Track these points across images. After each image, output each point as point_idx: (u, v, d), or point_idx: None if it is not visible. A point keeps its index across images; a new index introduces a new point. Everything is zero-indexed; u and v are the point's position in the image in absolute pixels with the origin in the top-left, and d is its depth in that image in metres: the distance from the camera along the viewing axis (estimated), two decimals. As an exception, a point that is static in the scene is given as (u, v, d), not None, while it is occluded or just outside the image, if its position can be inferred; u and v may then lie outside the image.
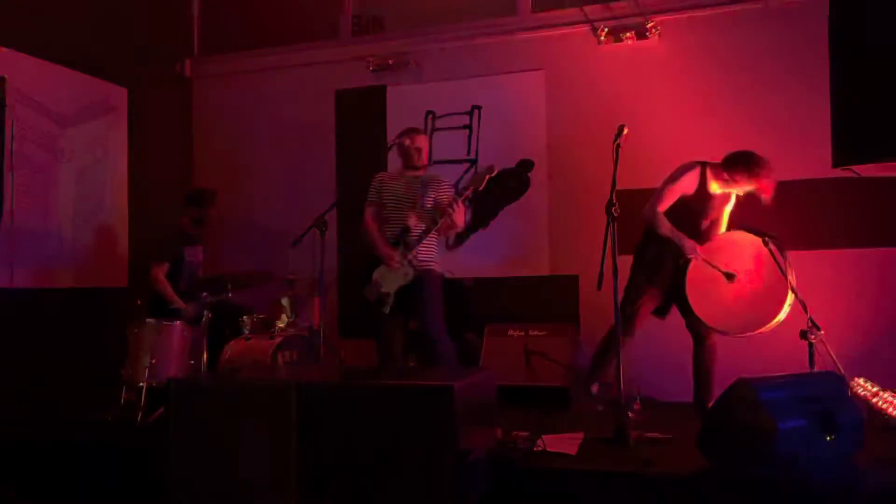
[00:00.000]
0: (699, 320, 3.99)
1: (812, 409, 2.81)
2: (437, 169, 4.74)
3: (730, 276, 3.88)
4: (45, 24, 5.02)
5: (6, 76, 4.42)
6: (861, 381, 3.90)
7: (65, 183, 5.18)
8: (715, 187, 4.06)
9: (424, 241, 4.14)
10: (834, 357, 3.54)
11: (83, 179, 5.33)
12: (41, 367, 4.73)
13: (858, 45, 2.48)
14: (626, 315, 3.99)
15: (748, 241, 3.92)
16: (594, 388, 4.18)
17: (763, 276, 3.82)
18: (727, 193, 4.12)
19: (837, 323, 3.99)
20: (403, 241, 4.13)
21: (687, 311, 4.04)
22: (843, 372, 3.47)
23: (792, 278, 3.74)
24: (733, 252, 3.93)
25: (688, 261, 3.97)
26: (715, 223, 4.15)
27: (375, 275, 4.16)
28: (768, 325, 3.78)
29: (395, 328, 4.23)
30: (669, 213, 4.04)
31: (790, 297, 3.73)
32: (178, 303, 4.62)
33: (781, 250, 3.81)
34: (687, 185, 4.06)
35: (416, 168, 4.27)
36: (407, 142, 4.27)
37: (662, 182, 4.10)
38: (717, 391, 3.60)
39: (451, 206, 4.05)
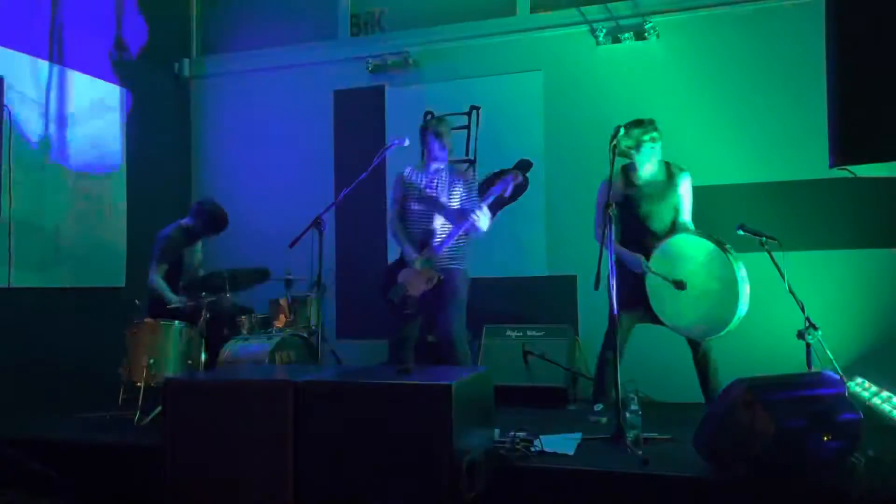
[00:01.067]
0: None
1: (809, 409, 2.81)
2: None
3: (678, 285, 3.83)
4: (44, 23, 5.02)
5: (4, 76, 4.42)
6: (858, 381, 3.91)
7: (62, 183, 5.18)
8: (645, 172, 4.02)
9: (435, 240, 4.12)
10: (831, 357, 3.54)
11: (81, 179, 5.33)
12: (39, 366, 4.72)
13: (855, 46, 2.49)
14: (612, 339, 3.98)
15: (695, 243, 3.85)
16: (597, 408, 4.16)
17: (717, 275, 3.75)
18: (666, 182, 4.05)
19: (834, 323, 4.00)
20: (428, 244, 4.11)
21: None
22: (840, 372, 3.47)
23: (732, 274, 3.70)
24: (685, 255, 3.86)
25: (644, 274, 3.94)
26: (669, 219, 4.06)
27: (400, 277, 4.14)
28: (732, 324, 3.73)
29: (411, 330, 4.21)
30: (621, 226, 3.97)
31: (744, 291, 3.68)
32: (174, 301, 4.61)
33: (724, 247, 3.76)
34: (602, 198, 3.93)
35: (436, 157, 4.21)
36: (442, 129, 4.23)
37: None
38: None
39: (475, 213, 4.03)
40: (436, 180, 4.23)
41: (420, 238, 4.17)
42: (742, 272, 3.70)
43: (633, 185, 4.06)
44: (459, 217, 4.09)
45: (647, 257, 3.94)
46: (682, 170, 4.10)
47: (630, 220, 4.03)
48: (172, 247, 4.79)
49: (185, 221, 4.90)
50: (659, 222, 4.05)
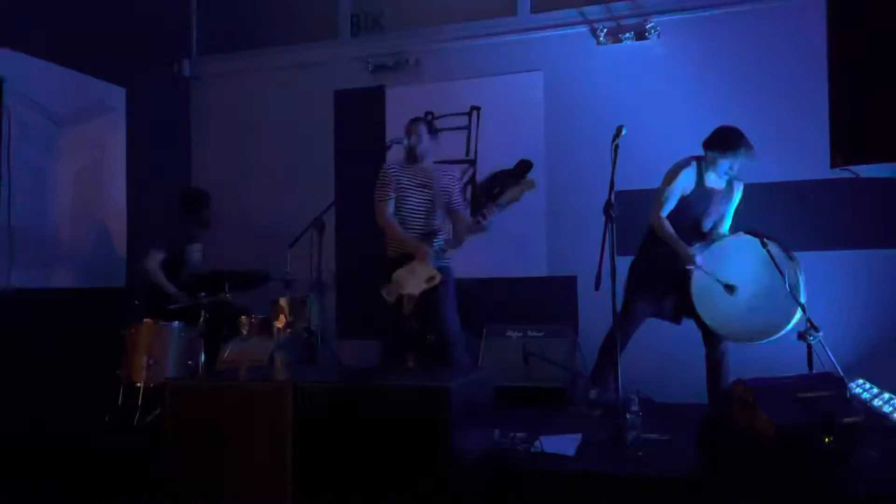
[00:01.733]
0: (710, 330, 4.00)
1: (810, 410, 2.80)
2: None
3: (731, 289, 3.84)
4: (44, 23, 5.02)
5: (4, 76, 4.41)
6: (859, 382, 3.90)
7: (63, 183, 5.18)
8: (712, 179, 4.04)
9: (439, 237, 4.10)
10: (832, 358, 3.53)
11: (81, 179, 5.33)
12: (39, 367, 4.72)
13: (856, 46, 2.48)
14: (621, 326, 3.98)
15: (750, 244, 3.86)
16: (593, 394, 4.16)
17: (770, 280, 3.75)
18: (727, 189, 4.09)
19: (836, 324, 3.99)
20: (429, 244, 4.06)
21: (698, 322, 4.03)
22: (841, 373, 3.46)
23: (793, 278, 3.70)
24: (737, 257, 3.88)
25: (688, 270, 3.94)
26: (719, 222, 4.14)
27: (395, 276, 4.04)
28: (783, 330, 3.72)
29: (408, 329, 4.15)
30: (673, 216, 4.03)
31: (801, 298, 3.68)
32: (170, 287, 4.60)
33: (787, 252, 3.77)
34: (685, 182, 4.04)
35: (413, 157, 4.17)
36: (407, 128, 4.22)
37: (661, 185, 4.09)
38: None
39: (484, 216, 3.99)
40: (425, 176, 4.17)
41: (416, 236, 4.11)
42: (802, 277, 3.69)
43: (702, 184, 4.05)
44: (467, 222, 4.05)
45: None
46: (740, 181, 4.13)
47: (693, 216, 4.05)
48: (176, 243, 4.79)
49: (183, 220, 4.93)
50: (711, 224, 4.09)
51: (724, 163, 3.95)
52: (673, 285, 4.04)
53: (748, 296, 3.82)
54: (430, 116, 5.56)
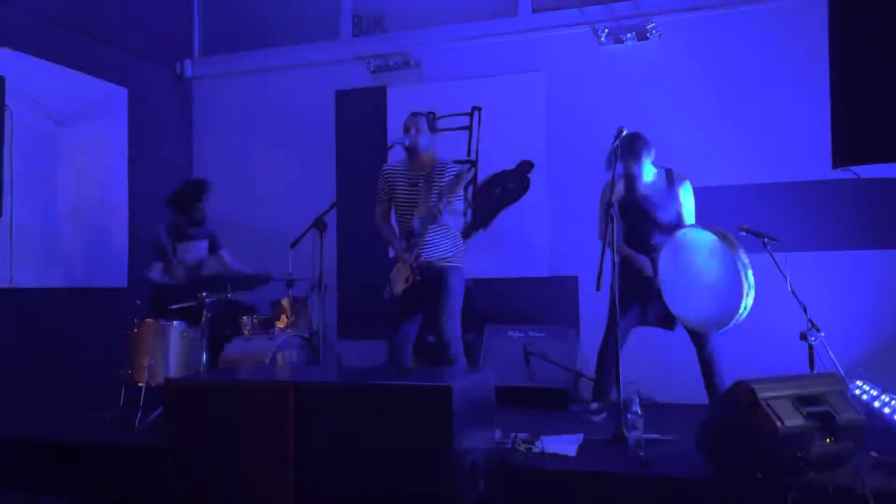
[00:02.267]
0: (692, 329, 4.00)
1: (812, 410, 2.80)
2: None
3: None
4: (46, 23, 5.03)
5: (6, 76, 4.42)
6: (861, 382, 3.90)
7: (64, 183, 5.19)
8: (645, 183, 4.04)
9: (441, 236, 4.05)
10: (834, 359, 3.53)
11: (83, 179, 5.34)
12: (40, 366, 4.73)
13: (858, 46, 2.48)
14: (606, 334, 4.03)
15: (700, 239, 3.83)
16: (593, 407, 4.16)
17: (718, 268, 3.73)
18: (666, 192, 4.07)
19: (837, 324, 3.99)
20: (410, 243, 4.05)
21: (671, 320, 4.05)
22: (842, 373, 3.46)
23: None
24: (692, 248, 3.84)
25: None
26: (673, 225, 4.08)
27: (390, 275, 4.11)
28: (740, 313, 3.69)
29: (407, 329, 4.16)
30: (627, 232, 4.03)
31: (749, 281, 3.66)
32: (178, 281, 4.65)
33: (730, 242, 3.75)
34: (614, 193, 3.92)
35: (412, 153, 4.14)
36: (406, 121, 4.18)
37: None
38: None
39: (432, 214, 3.90)
40: (416, 177, 4.15)
41: (403, 236, 4.11)
42: (745, 261, 3.67)
43: (635, 190, 4.06)
44: (429, 216, 3.97)
45: (652, 259, 3.96)
46: (682, 178, 4.10)
47: (633, 223, 4.04)
48: (158, 241, 4.82)
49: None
50: (659, 226, 4.06)
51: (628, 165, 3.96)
52: (651, 292, 4.03)
53: (703, 284, 3.79)
54: (431, 116, 5.56)
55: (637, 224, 4.05)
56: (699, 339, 4.04)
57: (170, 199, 4.95)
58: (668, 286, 3.91)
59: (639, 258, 4.00)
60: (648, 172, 4.05)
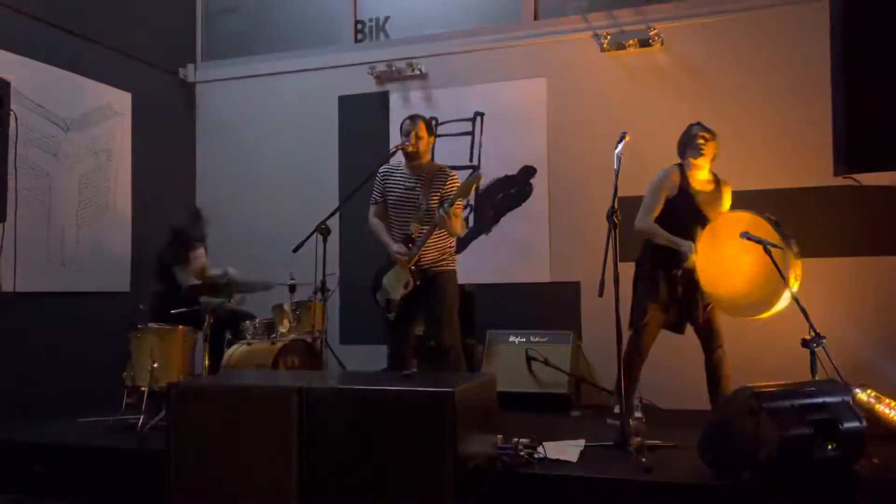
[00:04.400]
0: (708, 334, 4.03)
1: (814, 417, 2.80)
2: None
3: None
4: (50, 28, 5.05)
5: (11, 81, 4.44)
6: (863, 389, 3.90)
7: (68, 187, 5.20)
8: (696, 182, 4.10)
9: (435, 240, 4.04)
10: (836, 365, 3.53)
11: (86, 184, 5.35)
12: (43, 370, 4.73)
13: (859, 53, 2.49)
14: (636, 335, 4.05)
15: (739, 218, 3.89)
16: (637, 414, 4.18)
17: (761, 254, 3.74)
18: (715, 193, 4.12)
19: (839, 331, 3.99)
20: (409, 248, 4.05)
21: (695, 321, 4.06)
22: (844, 380, 3.45)
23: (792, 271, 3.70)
24: (728, 236, 3.88)
25: (686, 270, 3.95)
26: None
27: (384, 280, 4.10)
28: (780, 302, 3.71)
29: (404, 335, 4.17)
30: (662, 223, 4.06)
31: (797, 266, 3.68)
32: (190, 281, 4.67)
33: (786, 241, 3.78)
34: (669, 185, 4.09)
35: (411, 157, 4.14)
36: (404, 124, 4.18)
37: (646, 192, 4.14)
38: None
39: (442, 219, 3.90)
40: (415, 181, 4.15)
41: (401, 240, 4.10)
42: (795, 246, 3.70)
43: (687, 184, 4.11)
44: (433, 221, 3.96)
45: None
46: (727, 183, 4.21)
47: (682, 219, 4.07)
48: (178, 250, 4.84)
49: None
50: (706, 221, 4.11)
51: (693, 157, 4.05)
52: (673, 292, 4.06)
53: (745, 271, 3.82)
54: (434, 122, 5.58)
55: (686, 220, 4.06)
56: (711, 344, 4.05)
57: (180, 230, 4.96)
58: (706, 275, 3.91)
59: (679, 241, 3.99)
60: (705, 170, 4.12)
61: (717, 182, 4.19)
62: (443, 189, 4.08)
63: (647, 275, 4.10)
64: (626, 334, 4.02)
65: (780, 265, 3.61)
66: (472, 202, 5.59)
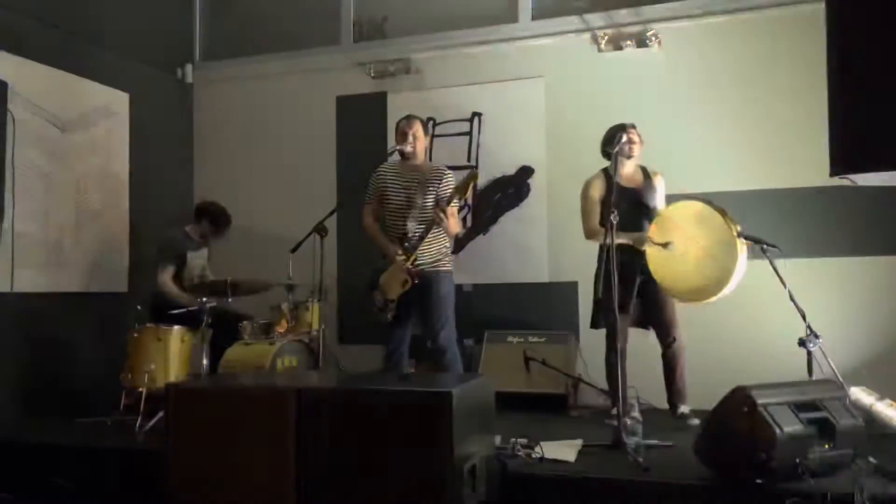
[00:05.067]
0: (664, 323, 4.12)
1: (810, 416, 2.81)
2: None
3: (665, 245, 3.92)
4: (48, 28, 5.04)
5: (8, 81, 4.44)
6: (859, 389, 3.91)
7: (66, 188, 5.20)
8: (624, 177, 4.18)
9: (430, 241, 4.05)
10: (832, 365, 3.54)
11: (84, 184, 5.35)
12: (41, 371, 4.73)
13: (855, 54, 2.49)
14: (610, 341, 4.06)
15: (684, 207, 3.98)
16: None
17: (708, 234, 3.86)
18: (647, 184, 4.20)
19: (836, 331, 4.00)
20: (402, 248, 4.06)
21: (651, 315, 4.16)
22: (840, 380, 3.47)
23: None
24: (677, 223, 3.98)
25: (635, 263, 4.01)
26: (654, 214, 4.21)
27: (381, 280, 4.11)
28: (733, 279, 3.77)
29: (402, 335, 4.17)
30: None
31: (740, 245, 3.76)
32: (184, 298, 4.65)
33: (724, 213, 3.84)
34: (595, 187, 4.22)
35: (407, 157, 4.18)
36: (400, 123, 4.22)
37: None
38: (715, 399, 3.62)
39: (439, 217, 3.92)
40: (410, 180, 4.17)
41: (396, 240, 4.11)
42: (737, 228, 3.78)
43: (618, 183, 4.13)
44: (429, 221, 4.00)
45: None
46: (657, 172, 4.31)
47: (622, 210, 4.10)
48: (170, 246, 4.84)
49: (188, 227, 4.98)
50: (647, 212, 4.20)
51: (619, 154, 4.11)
52: (630, 291, 4.10)
53: (693, 256, 3.89)
54: (431, 122, 5.58)
55: (628, 212, 4.07)
56: (665, 338, 4.12)
57: (211, 206, 5.01)
58: (659, 265, 3.99)
59: (634, 235, 4.04)
60: (629, 165, 4.21)
61: (647, 174, 4.27)
62: (438, 188, 4.10)
63: (604, 275, 4.08)
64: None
65: (775, 266, 3.64)
66: (469, 202, 5.59)
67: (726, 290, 3.81)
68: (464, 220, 5.53)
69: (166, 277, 4.77)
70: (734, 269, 3.73)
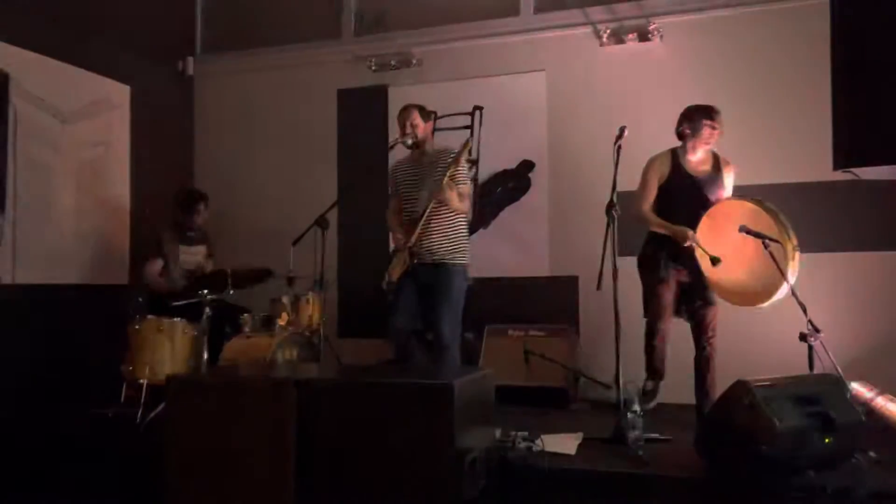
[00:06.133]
0: (701, 327, 4.05)
1: (811, 410, 2.81)
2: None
3: (714, 261, 3.84)
4: (49, 20, 5.03)
5: (9, 72, 4.43)
6: (860, 383, 3.91)
7: (67, 180, 5.19)
8: (691, 165, 4.09)
9: (442, 232, 4.04)
10: (833, 359, 3.54)
11: (85, 177, 5.35)
12: (42, 363, 4.74)
13: (859, 47, 2.49)
14: (655, 314, 4.07)
15: (739, 207, 3.88)
16: (649, 385, 4.21)
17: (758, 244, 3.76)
18: (713, 174, 4.10)
19: (837, 325, 3.99)
20: (412, 230, 4.02)
21: (691, 306, 4.09)
22: (841, 374, 3.47)
23: (791, 271, 3.71)
24: (729, 223, 3.85)
25: (686, 249, 3.94)
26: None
27: (391, 265, 4.11)
28: (779, 293, 3.71)
29: (401, 321, 4.08)
30: (661, 209, 4.07)
31: (794, 257, 3.70)
32: (163, 290, 4.66)
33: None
34: (658, 168, 4.09)
35: (412, 147, 4.18)
36: (398, 118, 4.22)
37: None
38: (716, 393, 3.63)
39: (439, 186, 3.89)
40: (420, 166, 4.17)
41: (408, 225, 4.10)
42: (794, 239, 3.72)
43: (680, 167, 4.11)
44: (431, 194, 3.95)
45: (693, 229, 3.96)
46: (728, 163, 4.18)
47: (680, 201, 4.06)
48: (158, 240, 4.86)
49: (180, 221, 5.00)
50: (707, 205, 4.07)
51: (691, 136, 4.05)
52: (677, 273, 4.07)
53: (746, 260, 3.81)
54: (433, 115, 5.57)
55: (684, 202, 4.04)
56: (702, 337, 4.07)
57: (177, 195, 5.02)
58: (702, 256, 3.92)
59: (677, 229, 3.95)
60: (700, 151, 4.11)
61: (717, 162, 4.15)
62: (447, 168, 4.09)
63: (651, 258, 4.10)
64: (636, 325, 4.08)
65: (777, 259, 3.62)
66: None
67: (777, 297, 3.73)
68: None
69: (151, 269, 4.81)
70: (785, 276, 3.63)
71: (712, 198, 4.06)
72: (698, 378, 4.09)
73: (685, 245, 3.92)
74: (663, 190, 4.09)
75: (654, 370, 4.20)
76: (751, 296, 3.86)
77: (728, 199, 4.07)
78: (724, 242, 3.86)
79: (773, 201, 3.95)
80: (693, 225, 3.95)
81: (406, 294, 4.05)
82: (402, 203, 4.19)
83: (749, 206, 3.84)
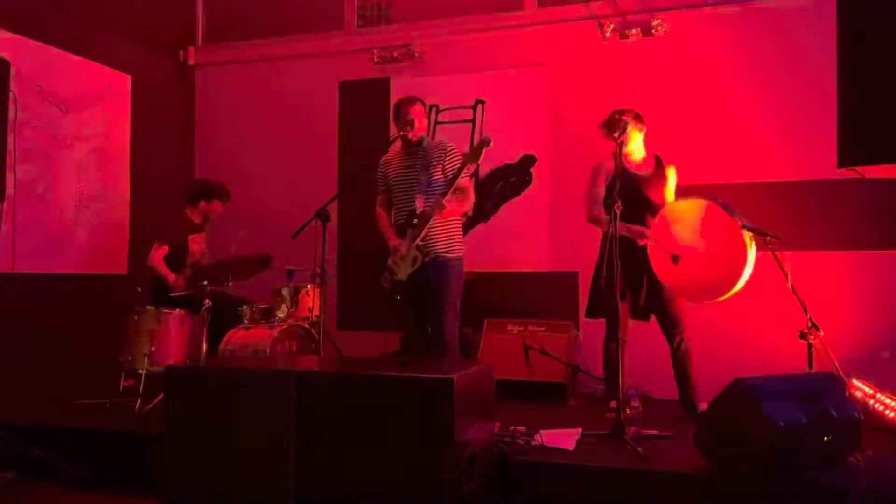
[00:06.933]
0: (669, 320, 4.06)
1: (810, 408, 2.81)
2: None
3: (675, 259, 3.86)
4: (50, 9, 5.01)
5: (10, 61, 4.41)
6: (859, 382, 3.92)
7: (67, 169, 5.18)
8: (632, 164, 4.11)
9: (441, 226, 4.02)
10: (833, 358, 3.55)
11: (85, 166, 5.33)
12: (41, 352, 4.73)
13: (866, 46, 2.48)
14: (610, 330, 4.04)
15: (692, 207, 3.91)
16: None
17: (718, 235, 3.80)
18: (656, 173, 4.12)
19: (837, 324, 4.00)
20: (410, 226, 4.02)
21: (658, 309, 4.10)
22: (841, 373, 3.47)
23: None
24: (685, 220, 3.90)
25: (637, 255, 3.96)
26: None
27: (389, 261, 4.07)
28: (739, 283, 3.74)
29: (418, 319, 4.10)
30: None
31: (751, 249, 3.72)
32: (169, 279, 4.62)
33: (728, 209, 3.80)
34: (601, 174, 4.12)
35: (411, 142, 4.15)
36: (402, 108, 4.15)
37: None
38: (715, 391, 3.63)
39: (441, 206, 3.88)
40: (413, 161, 4.14)
41: (403, 222, 4.07)
42: (744, 222, 3.73)
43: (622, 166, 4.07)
44: (439, 198, 3.94)
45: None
46: (670, 164, 4.20)
47: (629, 201, 4.03)
48: (171, 228, 4.81)
49: (187, 210, 4.95)
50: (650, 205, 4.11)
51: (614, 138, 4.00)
52: (631, 282, 4.07)
53: (700, 255, 3.84)
54: (434, 108, 5.56)
55: (634, 201, 4.04)
56: (671, 331, 4.08)
57: (208, 183, 4.98)
58: (658, 264, 3.94)
59: (635, 228, 3.99)
60: (639, 151, 4.13)
61: (659, 162, 4.17)
62: (444, 163, 4.08)
63: (606, 264, 4.06)
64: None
65: (774, 255, 3.63)
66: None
67: (736, 288, 3.75)
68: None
69: (158, 255, 4.73)
70: (744, 266, 3.66)
71: (653, 196, 4.09)
72: (679, 377, 4.10)
73: (640, 244, 3.95)
74: (607, 190, 4.08)
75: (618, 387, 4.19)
76: (710, 290, 3.87)
77: (677, 201, 4.05)
78: (677, 245, 3.89)
79: (777, 199, 3.96)
80: (636, 223, 4.01)
81: (420, 291, 4.05)
82: (393, 193, 4.16)
83: (703, 202, 3.86)
